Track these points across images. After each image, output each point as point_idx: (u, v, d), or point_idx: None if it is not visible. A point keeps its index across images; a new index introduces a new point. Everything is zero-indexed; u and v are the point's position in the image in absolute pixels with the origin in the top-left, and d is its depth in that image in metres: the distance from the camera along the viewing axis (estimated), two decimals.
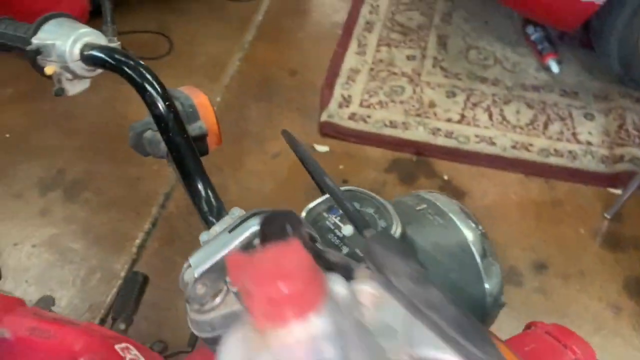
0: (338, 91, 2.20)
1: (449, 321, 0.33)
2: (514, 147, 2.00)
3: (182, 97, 0.66)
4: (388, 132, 2.05)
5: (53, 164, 1.96)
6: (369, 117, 2.11)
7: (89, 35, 0.61)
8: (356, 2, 2.58)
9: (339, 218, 0.58)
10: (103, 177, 1.93)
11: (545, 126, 2.07)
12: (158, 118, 0.58)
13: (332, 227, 0.57)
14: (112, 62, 0.59)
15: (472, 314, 0.56)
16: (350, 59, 2.33)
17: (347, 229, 0.57)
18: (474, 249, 0.58)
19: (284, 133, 0.58)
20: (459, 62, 2.31)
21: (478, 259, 0.58)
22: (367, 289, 0.36)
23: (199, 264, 0.45)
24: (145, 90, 0.58)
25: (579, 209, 1.84)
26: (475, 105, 2.14)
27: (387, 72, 2.28)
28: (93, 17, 2.34)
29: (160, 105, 0.57)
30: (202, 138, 0.66)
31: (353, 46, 2.39)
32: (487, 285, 0.59)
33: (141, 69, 0.58)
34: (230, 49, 2.39)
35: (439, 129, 2.06)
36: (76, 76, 0.62)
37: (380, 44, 2.39)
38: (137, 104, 0.60)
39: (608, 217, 1.81)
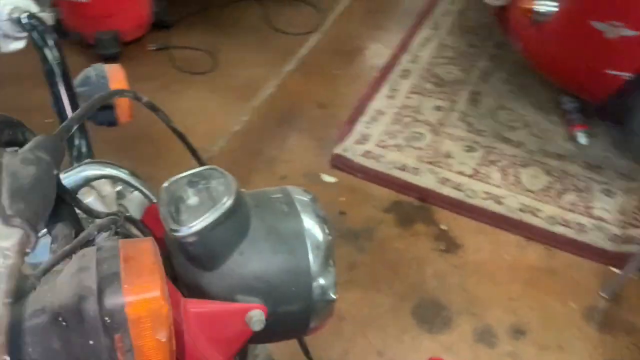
0: (358, 128, 2.25)
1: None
2: (521, 209, 1.96)
3: (99, 69, 0.73)
4: (396, 173, 2.07)
5: None
6: (382, 156, 2.13)
7: (21, 2, 0.70)
8: (399, 50, 2.65)
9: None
10: None
11: (560, 195, 2.01)
12: (47, 72, 0.65)
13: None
14: (27, 26, 0.67)
15: (296, 297, 0.58)
16: (379, 101, 2.38)
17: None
18: (307, 240, 0.60)
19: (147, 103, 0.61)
20: (486, 119, 2.30)
21: (309, 248, 0.59)
22: None
23: None
24: (42, 49, 0.65)
25: (574, 283, 1.76)
26: (491, 162, 2.12)
27: (411, 119, 2.31)
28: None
29: (50, 60, 0.65)
30: (108, 107, 0.73)
31: (384, 90, 2.44)
32: (320, 280, 0.60)
33: (46, 34, 0.66)
34: (268, 75, 2.51)
35: (448, 179, 2.05)
36: (7, 35, 0.71)
37: (412, 92, 2.43)
38: None
39: (604, 295, 1.72)
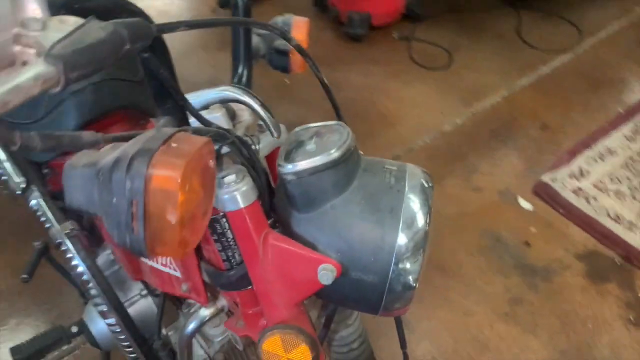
0: (578, 161, 2.02)
1: None
2: None
3: (287, 18, 0.79)
4: (606, 222, 1.81)
5: None
6: (595, 199, 1.89)
7: None
8: None
9: None
10: None
11: None
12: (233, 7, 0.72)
13: None
14: None
15: (373, 268, 0.57)
16: (614, 140, 2.10)
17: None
18: (401, 219, 0.57)
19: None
20: None
21: (400, 227, 0.57)
22: None
23: None
24: None
25: None
26: None
27: None
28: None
29: None
30: (283, 53, 0.78)
31: (625, 129, 2.14)
32: (403, 262, 0.57)
33: None
34: (499, 85, 2.39)
35: None
36: None
37: None
38: None
39: None
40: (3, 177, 1.04)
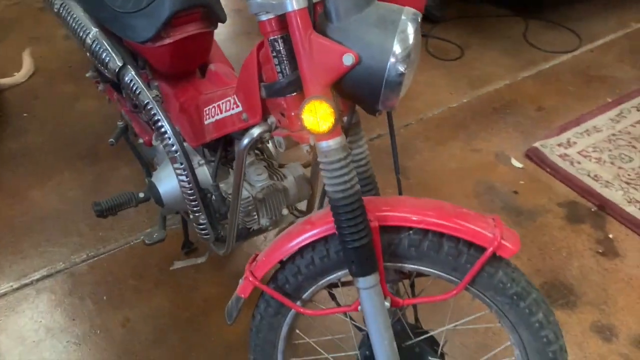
0: (567, 135, 2.31)
1: None
2: None
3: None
4: (586, 180, 2.10)
5: None
6: (578, 163, 2.18)
7: None
8: None
9: None
10: None
11: None
12: None
13: None
14: None
15: (378, 58, 0.88)
16: (600, 120, 2.40)
17: None
18: (398, 30, 0.88)
19: None
20: None
21: (396, 38, 0.88)
22: None
23: None
24: None
25: None
26: None
27: (626, 143, 2.28)
28: None
29: None
30: None
31: (611, 113, 2.44)
32: (396, 60, 0.88)
33: None
34: (504, 75, 2.72)
35: (638, 201, 2.00)
36: None
37: None
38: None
39: None
40: (106, 58, 1.39)
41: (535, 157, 2.21)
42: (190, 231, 1.83)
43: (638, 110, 2.45)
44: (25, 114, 2.54)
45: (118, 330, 1.63)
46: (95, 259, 1.84)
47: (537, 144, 2.26)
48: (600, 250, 1.86)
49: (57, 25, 3.08)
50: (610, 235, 1.91)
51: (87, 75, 1.90)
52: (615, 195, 2.03)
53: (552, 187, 2.10)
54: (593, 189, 2.06)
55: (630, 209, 1.97)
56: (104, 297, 1.72)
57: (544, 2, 3.23)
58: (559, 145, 2.26)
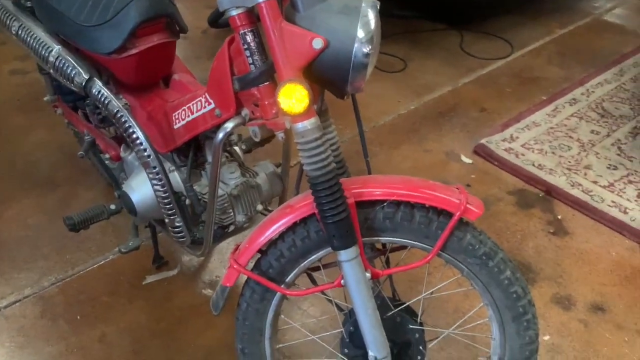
0: (510, 131, 2.48)
1: None
2: None
3: None
4: (531, 169, 2.25)
5: None
6: (523, 155, 2.33)
7: None
8: (575, 85, 2.80)
9: None
10: None
11: None
12: None
13: None
14: None
15: (344, 43, 0.96)
16: (538, 116, 2.58)
17: None
18: (360, 17, 0.97)
19: None
20: None
21: (359, 24, 0.97)
22: None
23: None
24: None
25: None
26: (630, 182, 2.17)
27: (564, 134, 2.46)
28: None
29: None
30: None
31: (547, 109, 2.63)
32: (361, 44, 0.97)
33: None
34: (445, 83, 2.88)
35: (580, 184, 2.16)
36: None
37: (574, 115, 2.58)
38: None
39: None
40: (72, 73, 1.42)
41: (482, 152, 2.36)
42: (160, 245, 1.85)
43: (571, 105, 2.65)
44: None
45: (95, 346, 1.61)
46: (65, 281, 1.82)
47: (483, 141, 2.40)
48: (552, 230, 1.99)
49: (2, 60, 3.04)
50: (559, 217, 2.05)
51: (45, 99, 1.90)
52: (559, 180, 2.19)
53: (501, 178, 2.24)
54: (539, 176, 2.21)
55: (574, 192, 2.13)
56: (78, 317, 1.70)
57: (476, 15, 3.45)
58: (504, 140, 2.42)
